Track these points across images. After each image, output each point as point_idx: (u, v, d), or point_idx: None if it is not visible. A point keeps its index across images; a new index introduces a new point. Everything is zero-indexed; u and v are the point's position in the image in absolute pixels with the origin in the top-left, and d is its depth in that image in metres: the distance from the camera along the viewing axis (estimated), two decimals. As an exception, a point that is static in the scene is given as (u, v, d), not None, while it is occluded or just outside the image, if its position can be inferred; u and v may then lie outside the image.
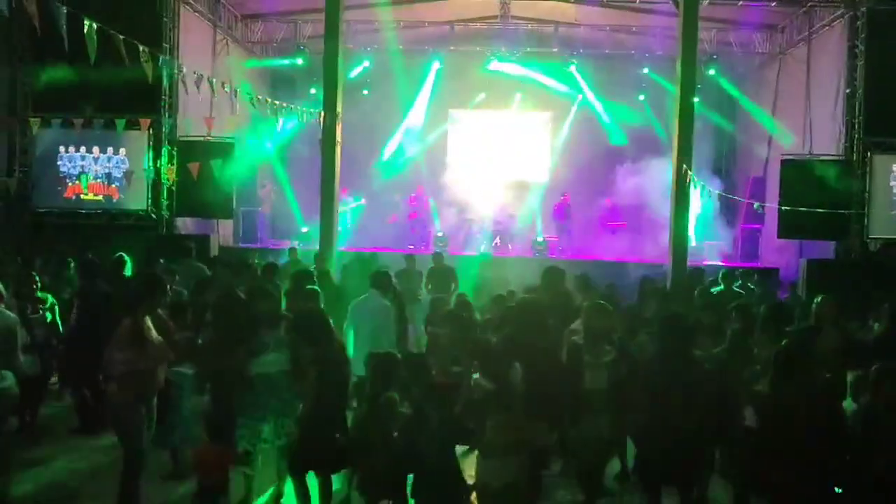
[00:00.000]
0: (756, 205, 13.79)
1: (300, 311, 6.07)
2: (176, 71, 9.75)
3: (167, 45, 13.86)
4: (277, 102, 11.31)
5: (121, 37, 5.97)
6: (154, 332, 5.35)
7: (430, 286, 11.41)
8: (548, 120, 19.83)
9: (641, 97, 18.63)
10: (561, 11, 16.58)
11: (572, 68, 18.48)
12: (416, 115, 19.30)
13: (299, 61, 17.84)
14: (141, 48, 6.29)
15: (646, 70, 18.18)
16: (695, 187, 12.76)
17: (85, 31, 5.55)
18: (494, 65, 18.43)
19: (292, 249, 12.46)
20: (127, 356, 5.15)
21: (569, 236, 17.46)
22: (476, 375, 5.20)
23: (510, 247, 17.22)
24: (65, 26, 5.17)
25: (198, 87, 8.15)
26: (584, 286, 8.41)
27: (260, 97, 10.81)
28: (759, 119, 17.13)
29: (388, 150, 19.21)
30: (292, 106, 12.27)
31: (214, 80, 9.40)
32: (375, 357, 5.22)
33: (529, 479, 5.02)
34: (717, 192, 14.00)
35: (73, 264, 8.92)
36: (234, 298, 5.95)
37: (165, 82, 13.83)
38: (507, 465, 4.77)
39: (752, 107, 17.64)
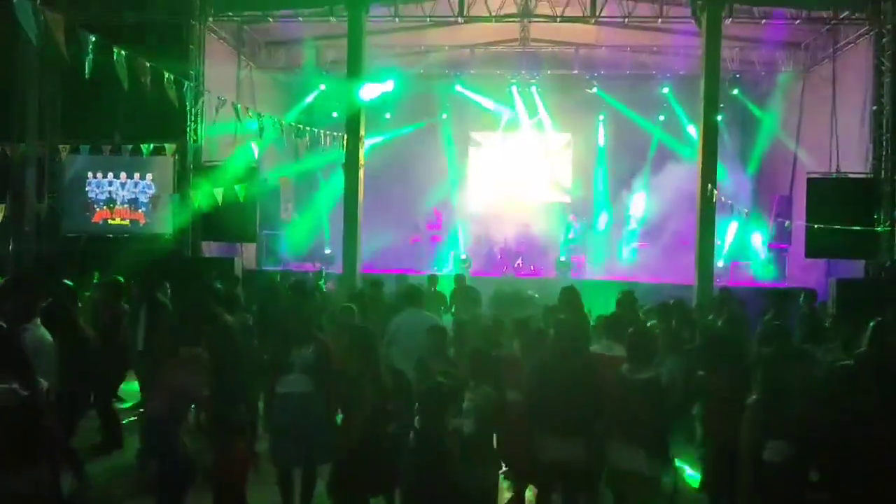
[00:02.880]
0: (787, 223, 13.62)
1: (356, 327, 6.15)
2: (202, 97, 9.87)
3: (193, 72, 14.05)
4: (301, 126, 11.39)
5: (148, 64, 6.08)
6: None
7: (452, 308, 11.35)
8: (569, 140, 19.84)
9: (662, 117, 18.63)
10: (581, 33, 16.59)
11: (593, 89, 18.55)
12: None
13: (322, 86, 18.04)
14: (167, 75, 6.39)
15: (665, 90, 18.19)
16: (732, 216, 12.73)
17: (115, 59, 5.66)
18: (515, 88, 18.62)
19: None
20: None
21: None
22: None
23: (532, 267, 17.16)
24: (91, 55, 5.27)
25: (216, 111, 8.23)
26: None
27: (283, 122, 10.93)
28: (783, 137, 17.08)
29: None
30: (316, 130, 12.43)
31: (240, 105, 9.53)
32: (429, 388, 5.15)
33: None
34: (745, 210, 13.91)
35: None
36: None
37: (191, 108, 14.10)
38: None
39: (774, 125, 17.55)
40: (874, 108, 13.52)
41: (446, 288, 11.76)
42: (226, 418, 5.53)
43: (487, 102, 19.07)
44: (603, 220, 18.42)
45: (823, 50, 15.53)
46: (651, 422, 5.25)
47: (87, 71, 5.31)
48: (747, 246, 16.78)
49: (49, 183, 14.50)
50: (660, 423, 5.32)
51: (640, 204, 18.12)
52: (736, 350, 5.71)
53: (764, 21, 14.75)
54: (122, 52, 5.72)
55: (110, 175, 14.63)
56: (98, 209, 14.65)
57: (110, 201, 14.64)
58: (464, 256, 17.16)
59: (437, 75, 18.48)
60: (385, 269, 15.11)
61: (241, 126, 11.21)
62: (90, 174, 14.57)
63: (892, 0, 13.14)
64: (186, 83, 7.11)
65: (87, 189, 14.60)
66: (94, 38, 5.28)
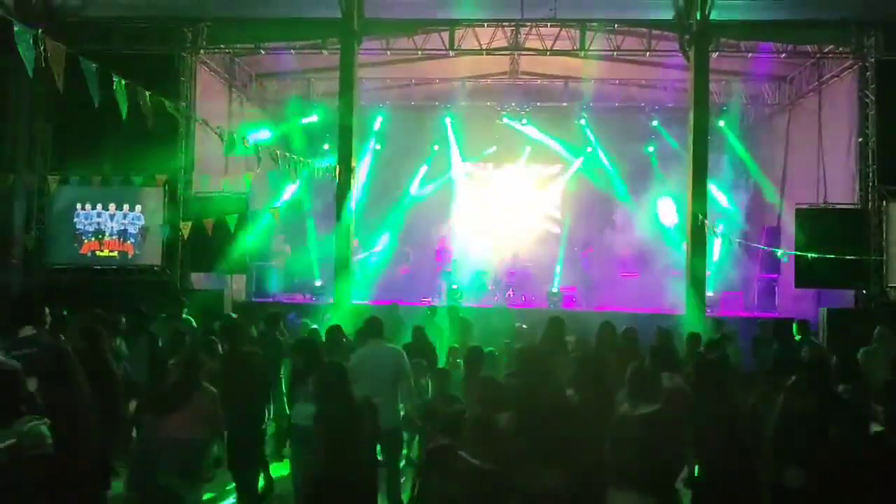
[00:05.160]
0: (780, 253, 13.70)
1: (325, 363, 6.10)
2: (197, 123, 9.85)
3: (184, 104, 14.05)
4: (295, 157, 11.38)
5: (147, 92, 6.07)
6: None
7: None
8: (558, 172, 19.97)
9: (651, 149, 18.81)
10: (570, 66, 16.80)
11: (582, 121, 18.76)
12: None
13: (314, 118, 18.11)
14: (167, 102, 6.39)
15: (655, 123, 18.40)
16: (716, 237, 12.81)
17: (115, 88, 5.65)
18: (505, 120, 18.80)
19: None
20: None
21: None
22: None
23: (524, 298, 17.14)
24: (96, 83, 5.25)
25: (221, 137, 8.22)
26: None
27: (278, 152, 10.90)
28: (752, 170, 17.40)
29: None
30: (307, 160, 12.42)
31: (233, 135, 9.50)
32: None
33: None
34: (737, 239, 14.02)
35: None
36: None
37: (182, 139, 14.10)
38: None
39: (749, 161, 17.73)
40: (860, 139, 13.72)
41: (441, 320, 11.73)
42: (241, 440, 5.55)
43: (477, 134, 19.18)
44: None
45: (808, 83, 15.78)
46: (651, 463, 4.87)
47: (95, 100, 5.27)
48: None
49: (37, 214, 14.36)
50: (662, 465, 4.91)
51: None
52: (726, 376, 5.55)
53: (750, 55, 15.00)
54: (122, 82, 5.71)
55: (99, 206, 14.51)
56: (86, 240, 14.50)
57: (99, 233, 14.50)
58: (455, 287, 17.11)
59: (428, 107, 18.63)
60: (377, 301, 15.05)
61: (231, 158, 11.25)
62: (79, 205, 14.44)
63: (876, 34, 13.40)
64: (191, 113, 7.11)
65: (75, 220, 14.47)
66: (94, 66, 5.26)
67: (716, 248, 16.01)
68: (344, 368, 5.52)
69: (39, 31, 4.88)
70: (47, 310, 6.08)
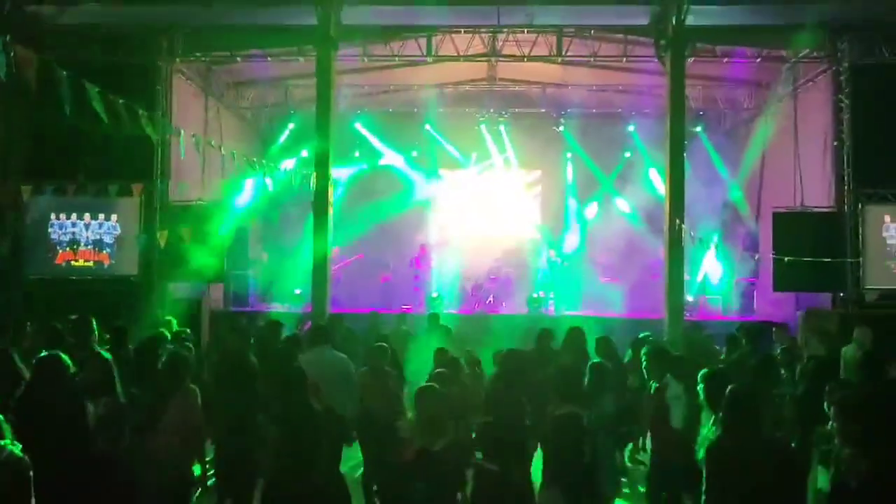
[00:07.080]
0: (756, 256, 13.81)
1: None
2: (170, 135, 9.77)
3: (160, 112, 13.88)
4: (272, 164, 11.30)
5: (121, 100, 5.99)
6: None
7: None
8: (538, 178, 20.02)
9: (628, 154, 18.91)
10: (548, 72, 16.86)
11: (560, 127, 18.83)
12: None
13: (291, 125, 18.03)
14: (140, 111, 6.30)
15: (631, 128, 18.51)
16: (704, 245, 12.90)
17: (89, 95, 5.57)
18: (483, 127, 18.83)
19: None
20: None
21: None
22: None
23: (504, 305, 17.13)
24: (68, 91, 5.16)
25: (198, 149, 8.13)
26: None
27: (254, 158, 10.84)
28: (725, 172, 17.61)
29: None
30: (285, 167, 12.36)
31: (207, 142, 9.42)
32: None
33: None
34: (714, 243, 14.12)
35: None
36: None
37: (158, 148, 13.92)
38: None
39: (721, 167, 17.91)
40: (835, 143, 13.83)
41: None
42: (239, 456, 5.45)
43: (456, 140, 19.20)
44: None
45: (784, 87, 15.90)
46: (570, 462, 4.99)
47: (67, 108, 5.18)
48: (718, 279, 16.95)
49: (11, 225, 14.10)
50: (581, 465, 4.99)
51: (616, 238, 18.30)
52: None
53: (726, 60, 15.11)
54: (96, 89, 5.63)
55: (74, 216, 14.30)
56: (61, 251, 14.28)
57: (73, 242, 14.27)
58: (435, 294, 17.08)
59: (406, 114, 18.61)
60: (357, 309, 14.98)
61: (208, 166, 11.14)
62: (53, 215, 14.23)
63: (850, 39, 13.54)
64: (164, 121, 7.04)
65: (49, 230, 14.24)
66: (65, 73, 5.17)
67: (709, 255, 16.19)
68: (302, 372, 5.42)
69: (8, 37, 4.79)
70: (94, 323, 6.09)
